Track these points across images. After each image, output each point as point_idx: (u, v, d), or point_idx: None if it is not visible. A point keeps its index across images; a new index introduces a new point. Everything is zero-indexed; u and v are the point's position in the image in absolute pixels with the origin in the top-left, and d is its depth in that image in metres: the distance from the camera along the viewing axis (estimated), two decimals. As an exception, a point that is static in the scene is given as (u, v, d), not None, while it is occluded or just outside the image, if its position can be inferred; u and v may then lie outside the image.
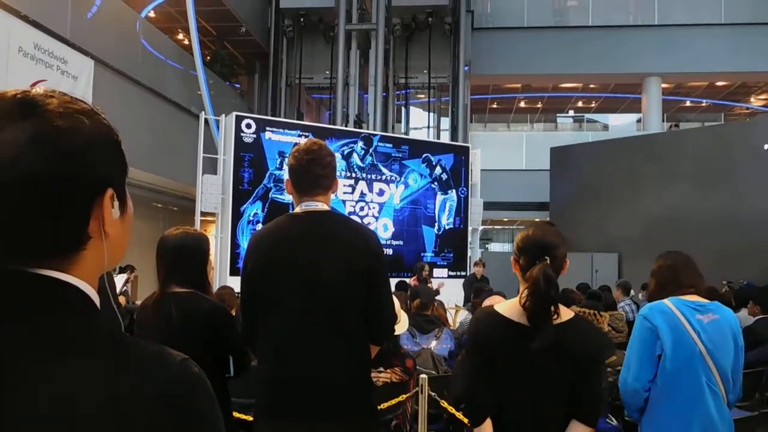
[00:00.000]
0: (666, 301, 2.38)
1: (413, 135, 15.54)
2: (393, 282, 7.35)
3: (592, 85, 20.11)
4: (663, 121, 18.22)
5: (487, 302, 2.90)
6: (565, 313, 1.91)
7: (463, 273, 10.78)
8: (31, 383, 0.63)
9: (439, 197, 10.89)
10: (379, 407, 2.60)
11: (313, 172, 2.04)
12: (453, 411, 3.36)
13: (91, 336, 0.68)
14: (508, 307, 1.95)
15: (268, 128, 9.09)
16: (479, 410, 1.91)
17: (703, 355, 2.28)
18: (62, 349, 0.65)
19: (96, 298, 0.72)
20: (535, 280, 1.83)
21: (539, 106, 23.06)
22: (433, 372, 3.93)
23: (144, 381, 0.65)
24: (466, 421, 2.48)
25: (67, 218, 0.68)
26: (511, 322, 1.89)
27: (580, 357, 1.86)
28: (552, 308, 1.82)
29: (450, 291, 9.17)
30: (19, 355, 0.64)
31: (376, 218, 10.10)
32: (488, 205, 12.18)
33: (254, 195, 8.86)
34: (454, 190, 11.04)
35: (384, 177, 10.22)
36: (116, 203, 0.72)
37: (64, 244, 0.69)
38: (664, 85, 17.47)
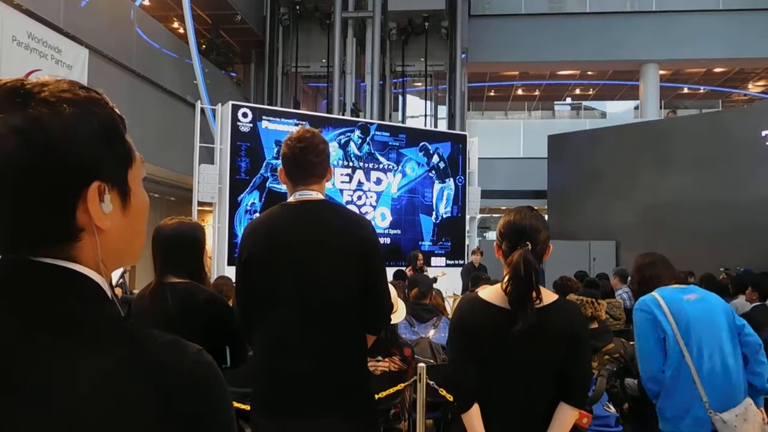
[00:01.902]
0: (654, 293, 2.67)
1: (410, 123, 15.49)
2: (391, 271, 7.36)
3: (589, 73, 20.03)
4: (660, 108, 18.18)
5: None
6: (549, 296, 1.91)
7: (460, 262, 10.78)
8: (45, 373, 0.62)
9: (437, 186, 10.86)
10: (377, 396, 2.59)
11: (306, 161, 2.02)
12: (451, 399, 3.36)
13: (103, 325, 0.67)
14: (491, 292, 1.95)
15: (264, 117, 9.04)
16: (466, 395, 1.91)
17: (694, 329, 2.54)
18: (75, 338, 0.64)
19: (107, 288, 0.71)
20: (515, 265, 1.83)
21: (537, 93, 22.98)
22: (432, 361, 3.93)
23: (162, 370, 0.65)
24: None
25: (47, 210, 0.67)
26: (494, 306, 1.89)
27: (563, 338, 1.87)
28: (533, 293, 1.82)
29: (448, 280, 9.17)
30: (27, 344, 0.63)
31: (374, 207, 10.08)
32: (486, 194, 12.16)
33: (251, 184, 8.83)
34: (451, 179, 11.01)
35: (381, 166, 10.19)
36: (107, 196, 0.70)
37: (51, 237, 0.68)
38: (661, 72, 17.41)
